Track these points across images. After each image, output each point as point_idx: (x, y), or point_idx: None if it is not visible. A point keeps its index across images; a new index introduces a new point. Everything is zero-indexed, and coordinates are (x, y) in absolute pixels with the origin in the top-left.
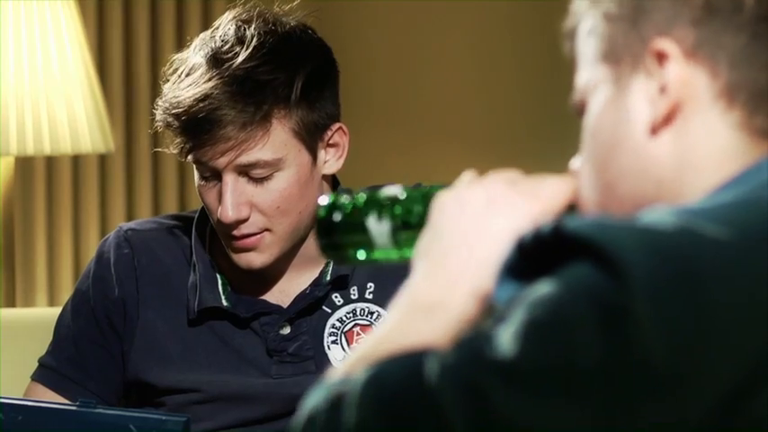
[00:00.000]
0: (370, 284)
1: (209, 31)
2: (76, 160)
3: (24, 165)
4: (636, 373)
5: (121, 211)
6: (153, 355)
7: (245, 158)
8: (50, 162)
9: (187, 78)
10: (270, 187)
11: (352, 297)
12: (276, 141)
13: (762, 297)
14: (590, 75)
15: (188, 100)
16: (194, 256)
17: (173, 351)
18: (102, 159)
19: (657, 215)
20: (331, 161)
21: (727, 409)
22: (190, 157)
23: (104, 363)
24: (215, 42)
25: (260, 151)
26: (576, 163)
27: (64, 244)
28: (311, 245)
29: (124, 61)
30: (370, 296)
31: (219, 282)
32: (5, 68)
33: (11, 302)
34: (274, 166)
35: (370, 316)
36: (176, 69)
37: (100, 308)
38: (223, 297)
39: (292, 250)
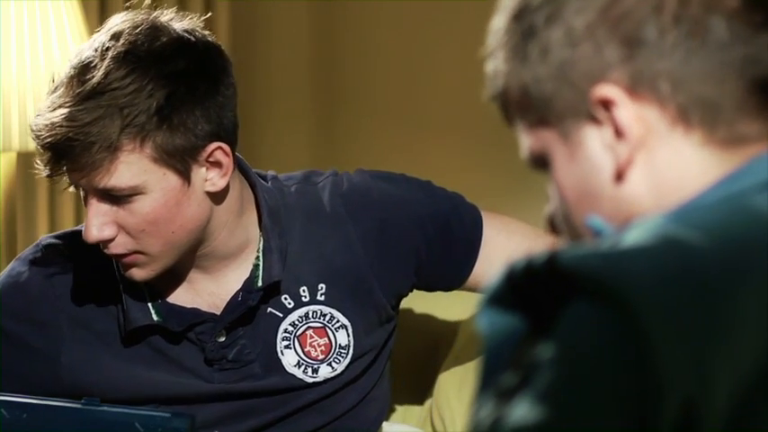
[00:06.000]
0: (321, 285)
1: (96, 34)
2: None
3: (27, 161)
4: (661, 400)
5: None
6: (88, 372)
7: (98, 184)
8: None
9: (50, 96)
10: (133, 210)
11: (303, 299)
12: (130, 169)
13: (755, 299)
14: (534, 141)
15: (41, 126)
16: (117, 269)
17: (109, 366)
18: None
19: (638, 234)
20: (214, 179)
21: (747, 407)
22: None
23: (24, 379)
24: (86, 55)
25: (111, 179)
26: (548, 209)
27: None
28: (219, 244)
29: None
30: (322, 297)
31: (146, 294)
32: (8, 65)
33: None
34: (132, 191)
35: (322, 318)
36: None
37: (12, 330)
38: (153, 312)
39: (186, 257)
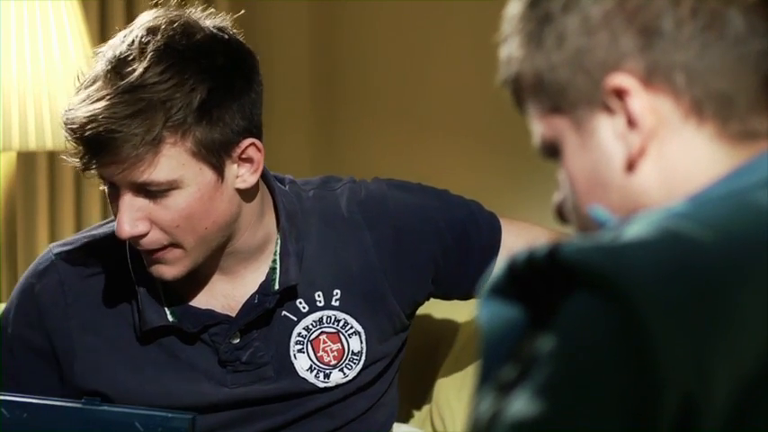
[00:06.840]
0: (336, 291)
1: (125, 31)
2: None
3: (27, 160)
4: (661, 397)
5: None
6: (98, 378)
7: (137, 178)
8: (52, 157)
9: (85, 90)
10: (167, 205)
11: (318, 304)
12: (170, 163)
13: (757, 296)
14: (546, 129)
15: (80, 118)
16: (132, 271)
17: (120, 372)
18: None
19: (640, 227)
20: (245, 175)
21: (747, 403)
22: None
23: (38, 384)
24: (120, 51)
25: (151, 173)
26: (557, 197)
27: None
28: (243, 243)
29: None
30: (337, 303)
31: (162, 295)
32: (8, 64)
33: None
34: (169, 185)
35: (336, 323)
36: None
37: (25, 340)
38: (168, 312)
39: (213, 255)
